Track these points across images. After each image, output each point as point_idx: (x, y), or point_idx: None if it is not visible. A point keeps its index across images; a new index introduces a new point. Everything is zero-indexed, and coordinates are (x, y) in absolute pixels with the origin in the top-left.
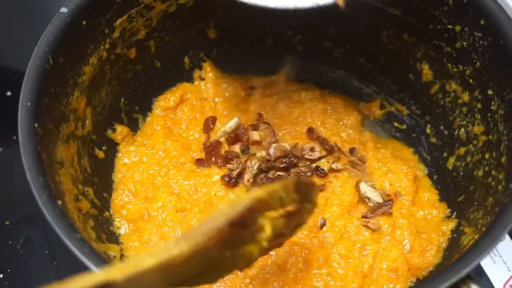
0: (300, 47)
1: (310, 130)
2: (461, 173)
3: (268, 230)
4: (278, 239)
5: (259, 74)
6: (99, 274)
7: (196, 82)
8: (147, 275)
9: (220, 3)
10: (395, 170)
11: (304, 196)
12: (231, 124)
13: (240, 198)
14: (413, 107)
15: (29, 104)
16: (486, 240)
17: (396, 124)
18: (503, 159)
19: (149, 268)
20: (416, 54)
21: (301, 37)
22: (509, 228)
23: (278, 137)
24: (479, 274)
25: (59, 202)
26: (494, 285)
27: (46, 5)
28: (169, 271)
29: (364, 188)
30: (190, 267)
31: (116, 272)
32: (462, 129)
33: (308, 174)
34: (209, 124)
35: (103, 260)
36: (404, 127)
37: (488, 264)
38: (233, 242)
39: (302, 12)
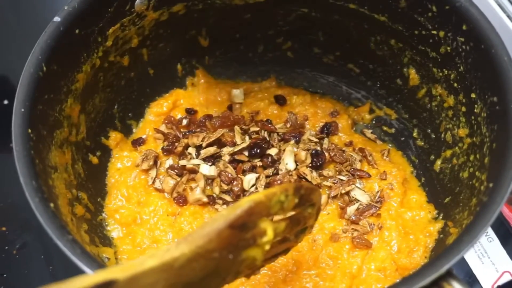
0: (291, 53)
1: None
2: (448, 175)
3: (269, 233)
4: (282, 244)
5: (250, 80)
6: (101, 273)
7: (189, 89)
8: (149, 276)
9: (212, 12)
10: (384, 173)
11: (305, 200)
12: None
13: (240, 201)
14: (401, 111)
15: (22, 110)
16: (466, 237)
17: (385, 128)
18: (485, 160)
19: (150, 269)
20: (403, 59)
21: (291, 44)
22: (488, 225)
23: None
24: (468, 275)
25: (52, 205)
26: (483, 285)
27: (41, 14)
28: (171, 273)
29: (354, 190)
30: (192, 270)
31: (117, 271)
32: (448, 132)
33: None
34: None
35: (94, 261)
36: (393, 131)
37: (476, 265)
38: (235, 245)
39: (292, 18)
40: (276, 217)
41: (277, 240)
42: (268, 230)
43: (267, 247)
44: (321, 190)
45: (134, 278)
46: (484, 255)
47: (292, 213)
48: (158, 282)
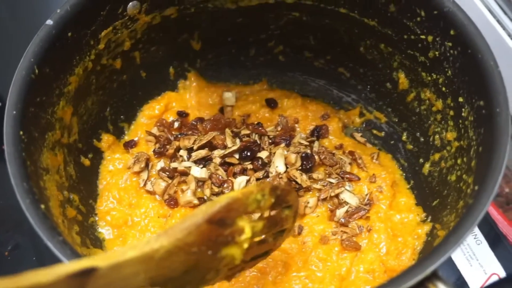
0: (282, 57)
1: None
2: (436, 178)
3: (247, 231)
4: (261, 246)
5: (242, 83)
6: (82, 261)
7: (181, 91)
8: (129, 266)
9: (204, 16)
10: (373, 176)
11: (282, 201)
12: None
13: (218, 198)
14: (391, 115)
15: (14, 112)
16: (452, 238)
17: (374, 131)
18: (472, 163)
19: (131, 259)
20: (392, 63)
21: (282, 47)
22: (474, 226)
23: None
24: (457, 277)
25: (43, 206)
26: (471, 287)
27: (34, 17)
28: (151, 265)
29: (343, 193)
30: (172, 263)
31: (99, 260)
32: (437, 136)
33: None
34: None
35: None
36: (383, 134)
37: (465, 267)
38: (213, 241)
39: (283, 23)
40: (254, 216)
41: (255, 240)
42: (246, 228)
43: (245, 245)
44: (311, 192)
45: (114, 267)
46: (472, 257)
47: (270, 213)
48: (139, 273)
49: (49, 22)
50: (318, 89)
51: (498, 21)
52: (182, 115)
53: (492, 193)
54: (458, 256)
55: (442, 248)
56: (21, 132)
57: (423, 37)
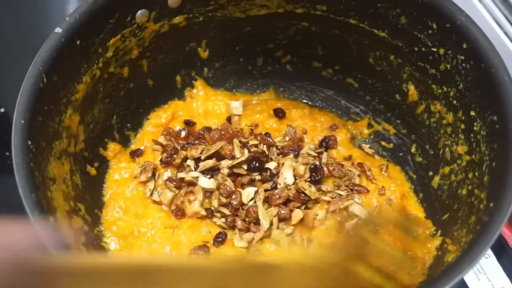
0: (290, 66)
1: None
2: (446, 191)
3: None
4: None
5: (249, 92)
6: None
7: (188, 100)
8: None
9: (212, 24)
10: (383, 188)
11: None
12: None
13: None
14: (400, 127)
15: (22, 122)
16: (467, 258)
17: (383, 143)
18: (485, 179)
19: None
20: (402, 75)
21: (290, 57)
22: (489, 246)
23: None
24: None
25: (51, 218)
26: None
27: (42, 24)
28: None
29: (352, 205)
30: None
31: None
32: (447, 149)
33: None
34: None
35: None
36: (391, 146)
37: (473, 281)
38: None
39: (292, 32)
40: None
41: None
42: None
43: None
44: (319, 204)
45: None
46: (480, 271)
47: None
48: None
49: (58, 30)
50: (326, 99)
51: (506, 33)
52: (189, 124)
53: (508, 211)
54: None
55: (457, 267)
56: (29, 142)
57: (434, 49)
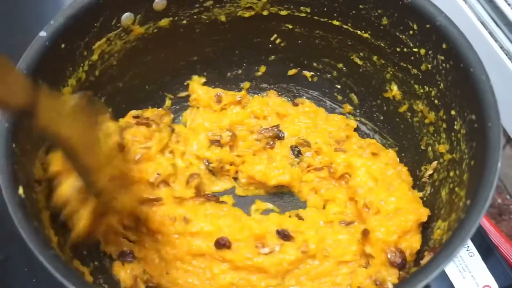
0: (275, 68)
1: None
2: (429, 190)
3: None
4: None
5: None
6: None
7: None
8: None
9: (198, 27)
10: None
11: None
12: None
13: None
14: (383, 126)
15: (7, 125)
16: (443, 255)
17: None
18: (464, 177)
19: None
20: (385, 75)
21: (274, 58)
22: (464, 243)
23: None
24: None
25: (35, 219)
26: None
27: (26, 28)
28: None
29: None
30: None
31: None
32: (430, 148)
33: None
34: None
35: (77, 277)
36: None
37: (458, 279)
38: None
39: (276, 34)
40: None
41: None
42: None
43: None
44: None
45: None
46: (465, 269)
47: None
48: None
49: (43, 33)
50: (311, 100)
51: (491, 33)
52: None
53: (483, 208)
54: (451, 268)
55: (434, 263)
56: (14, 145)
57: (415, 50)
